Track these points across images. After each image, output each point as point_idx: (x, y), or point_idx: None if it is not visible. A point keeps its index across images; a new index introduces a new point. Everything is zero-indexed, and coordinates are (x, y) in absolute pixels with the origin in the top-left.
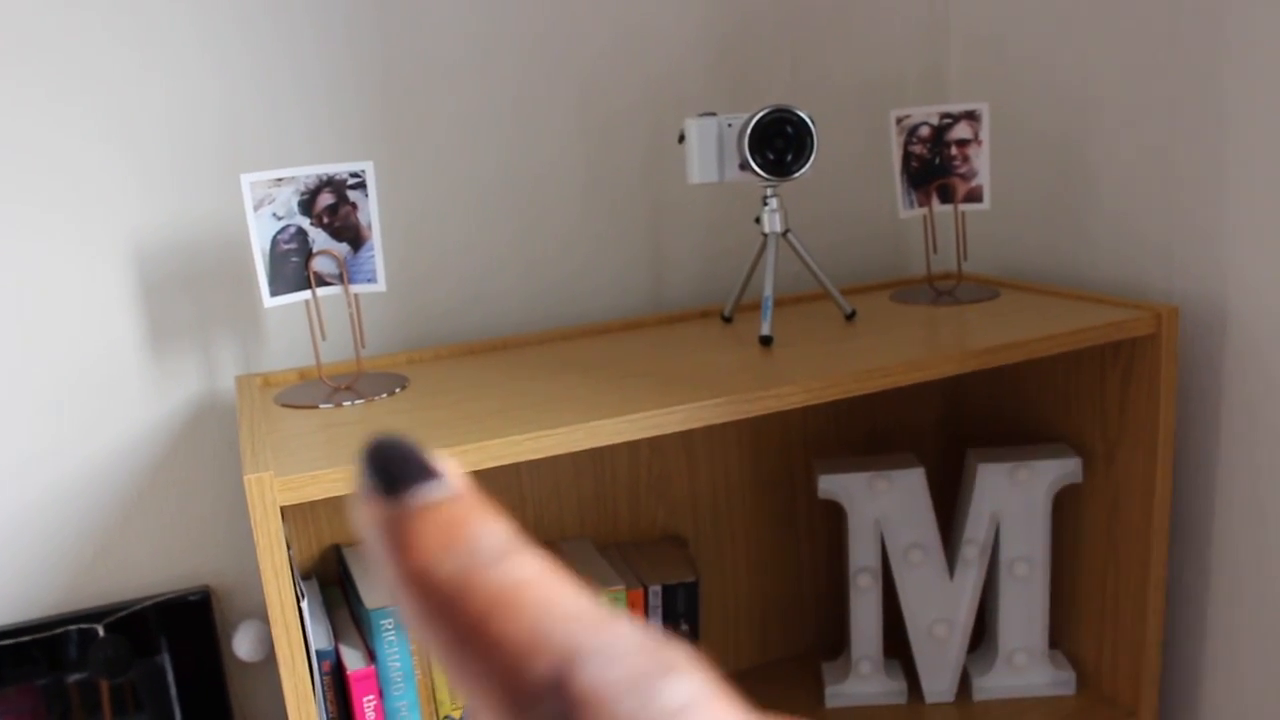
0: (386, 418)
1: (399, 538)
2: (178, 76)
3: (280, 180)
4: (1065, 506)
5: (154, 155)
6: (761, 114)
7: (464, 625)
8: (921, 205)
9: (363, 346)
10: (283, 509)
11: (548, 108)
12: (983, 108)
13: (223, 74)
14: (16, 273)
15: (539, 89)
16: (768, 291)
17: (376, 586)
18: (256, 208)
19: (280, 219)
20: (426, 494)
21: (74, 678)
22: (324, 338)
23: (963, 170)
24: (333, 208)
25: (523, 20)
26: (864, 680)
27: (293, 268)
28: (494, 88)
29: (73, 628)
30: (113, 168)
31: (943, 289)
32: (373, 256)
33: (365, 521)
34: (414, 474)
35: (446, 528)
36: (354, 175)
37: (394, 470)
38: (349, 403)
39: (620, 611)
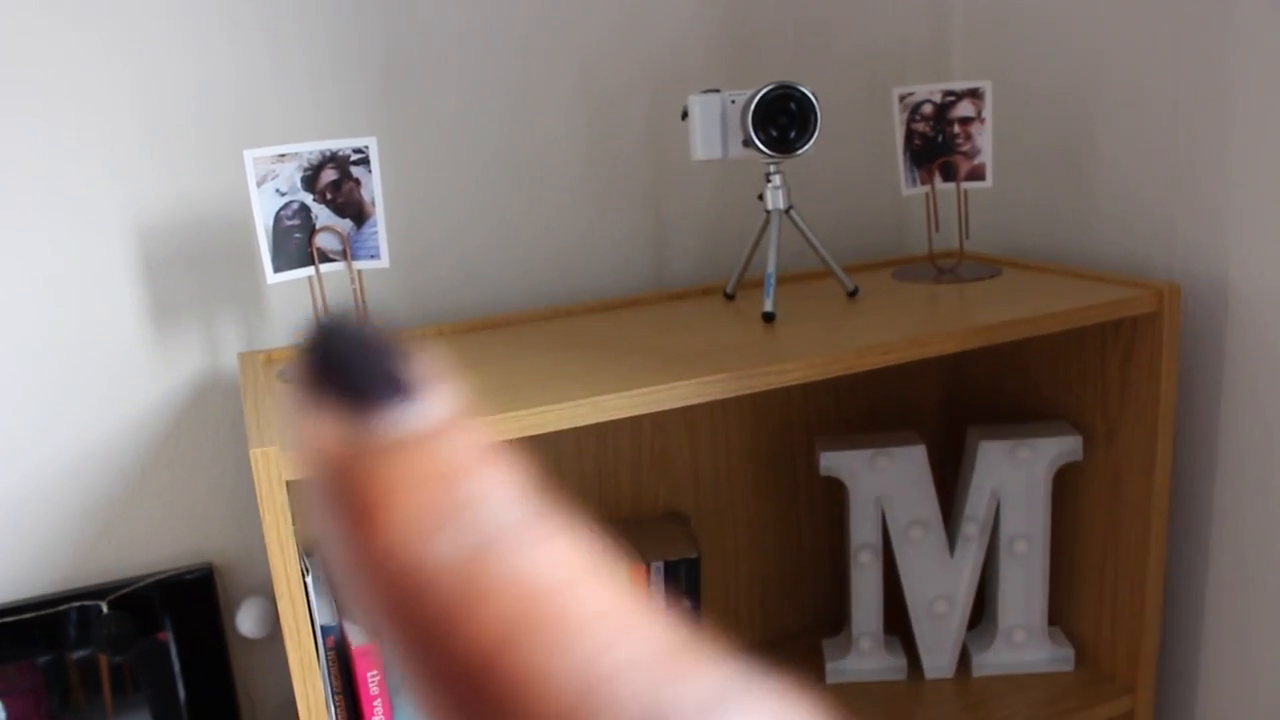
0: None
1: (358, 492)
2: (183, 53)
3: (283, 156)
4: (1066, 484)
5: (158, 132)
6: (765, 90)
7: (457, 653)
8: (924, 183)
9: None
10: (286, 485)
11: (550, 84)
12: (986, 86)
13: (229, 51)
14: (21, 248)
15: (541, 65)
16: (770, 268)
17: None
18: (259, 183)
19: (283, 195)
20: (406, 420)
21: (76, 655)
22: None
23: (965, 148)
24: (336, 184)
25: None
26: (864, 656)
27: (296, 244)
28: (497, 64)
29: (75, 605)
30: (117, 144)
31: (945, 267)
32: (376, 233)
33: (307, 452)
34: (385, 386)
35: (432, 481)
36: (357, 151)
37: (356, 377)
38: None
39: (650, 613)
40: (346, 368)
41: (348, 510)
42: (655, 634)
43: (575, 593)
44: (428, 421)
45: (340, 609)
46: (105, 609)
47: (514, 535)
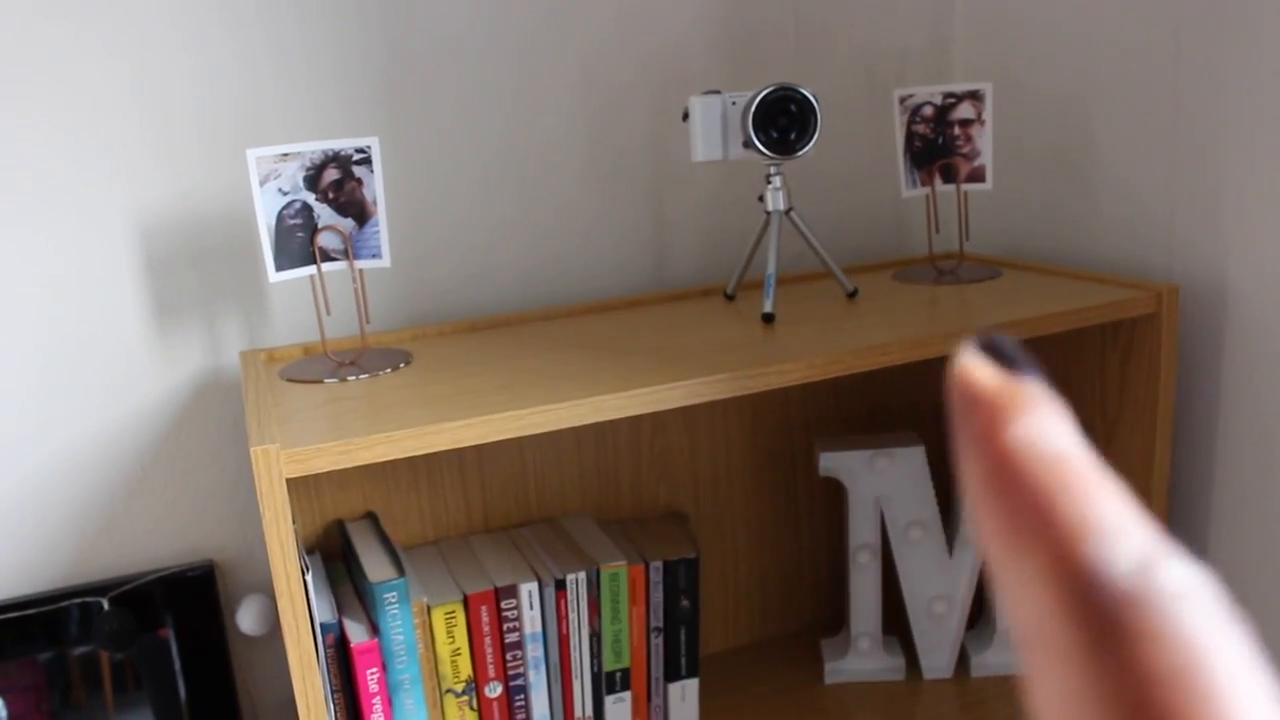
0: (391, 392)
1: (1008, 405)
2: (185, 52)
3: (286, 155)
4: None
5: (159, 131)
6: (765, 92)
7: (1055, 491)
8: (924, 185)
9: (367, 322)
10: (287, 484)
11: (551, 85)
12: (986, 88)
13: (230, 50)
14: (22, 246)
15: (542, 66)
16: (770, 269)
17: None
18: (262, 183)
19: (286, 194)
20: (1033, 380)
21: (77, 652)
22: (329, 313)
23: (965, 150)
24: (338, 183)
25: None
26: (863, 657)
27: (298, 243)
28: (498, 65)
29: (76, 601)
30: (119, 143)
31: (945, 268)
32: (377, 232)
33: (971, 385)
34: (1024, 362)
35: (1045, 407)
36: (359, 151)
37: (1009, 352)
38: (353, 377)
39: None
40: (1013, 352)
41: (986, 416)
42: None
43: (1115, 490)
44: (1042, 386)
45: (340, 610)
46: (106, 606)
47: (1078, 447)
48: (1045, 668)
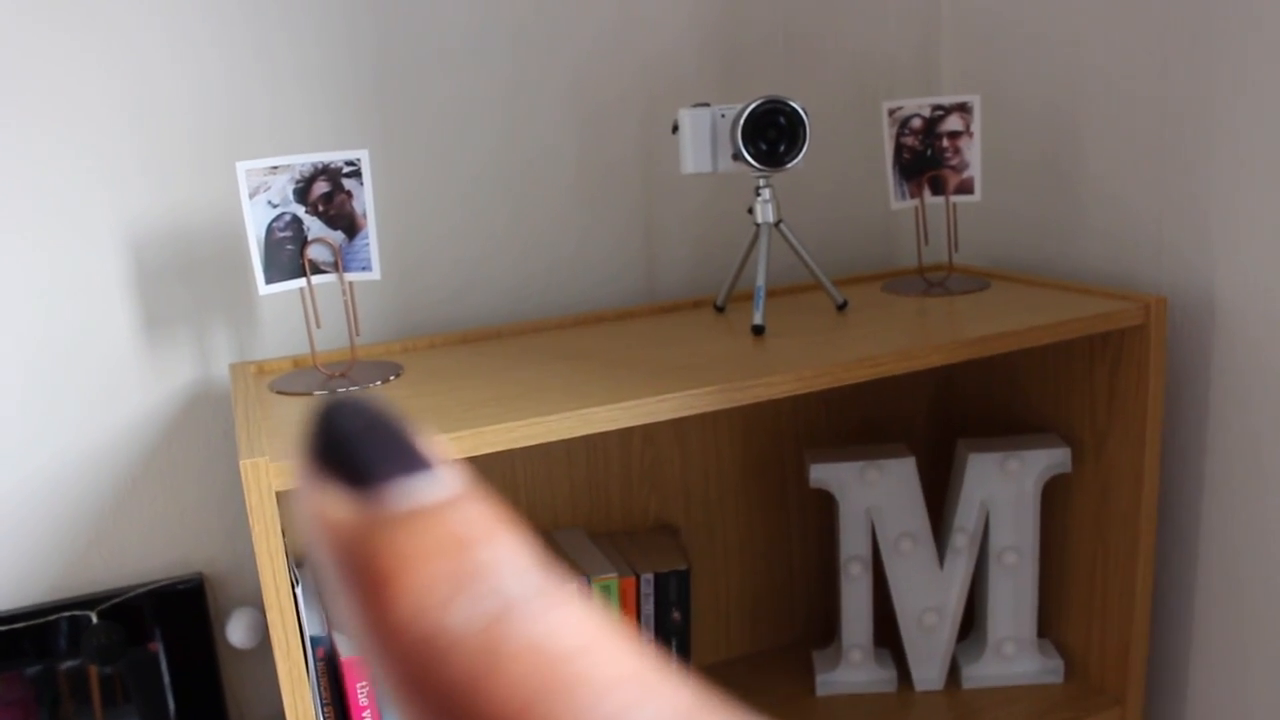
0: None
1: (374, 563)
2: (175, 65)
3: (276, 168)
4: (1054, 496)
5: (150, 143)
6: (754, 105)
7: (486, 716)
8: (913, 197)
9: (357, 334)
10: (277, 496)
11: (541, 97)
12: (974, 100)
13: (221, 62)
14: (13, 258)
15: (532, 78)
16: (760, 281)
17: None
18: (252, 195)
19: (275, 207)
20: (416, 492)
21: (66, 665)
22: (319, 325)
23: (954, 162)
24: (328, 195)
25: (516, 8)
26: (854, 668)
27: (288, 255)
28: (488, 77)
29: (65, 615)
30: (110, 155)
31: (934, 280)
32: (367, 244)
33: (317, 530)
34: (395, 459)
35: (448, 549)
36: (349, 163)
37: (365, 451)
38: (343, 390)
39: (669, 674)
40: (356, 443)
41: (362, 582)
42: (676, 694)
43: (595, 655)
44: (438, 492)
45: (331, 623)
46: (95, 619)
47: (530, 601)
48: None
